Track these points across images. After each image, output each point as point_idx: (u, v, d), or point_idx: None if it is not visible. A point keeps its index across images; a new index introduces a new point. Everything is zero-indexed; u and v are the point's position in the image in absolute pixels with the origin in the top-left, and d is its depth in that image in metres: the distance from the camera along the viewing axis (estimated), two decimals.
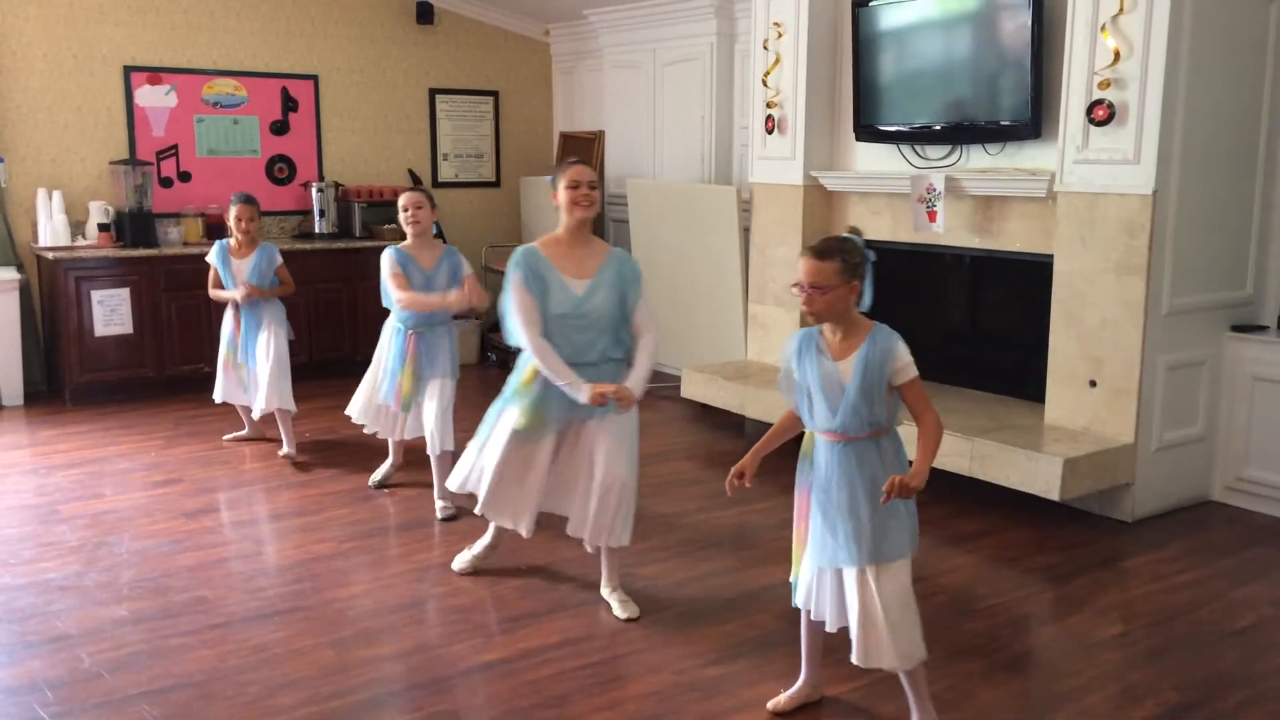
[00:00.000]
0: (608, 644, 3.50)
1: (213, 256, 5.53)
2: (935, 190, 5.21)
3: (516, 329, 3.61)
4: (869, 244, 2.86)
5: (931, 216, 5.24)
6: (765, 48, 6.08)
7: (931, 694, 2.96)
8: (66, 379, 6.58)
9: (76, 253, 6.52)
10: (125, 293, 6.62)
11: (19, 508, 4.76)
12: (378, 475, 5.14)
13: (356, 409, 5.00)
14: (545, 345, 3.56)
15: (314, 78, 7.73)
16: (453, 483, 3.95)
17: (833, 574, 2.87)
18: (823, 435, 2.84)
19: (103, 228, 6.72)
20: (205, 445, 5.77)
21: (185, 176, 7.29)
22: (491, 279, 8.29)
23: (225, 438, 5.86)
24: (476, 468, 3.83)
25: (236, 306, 5.47)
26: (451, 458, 4.49)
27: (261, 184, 7.58)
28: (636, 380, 3.61)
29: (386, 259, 4.69)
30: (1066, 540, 4.50)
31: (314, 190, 7.53)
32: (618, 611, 3.71)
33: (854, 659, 2.82)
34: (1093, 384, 4.72)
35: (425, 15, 8.01)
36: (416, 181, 8.14)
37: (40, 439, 5.89)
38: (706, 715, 3.06)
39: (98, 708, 3.06)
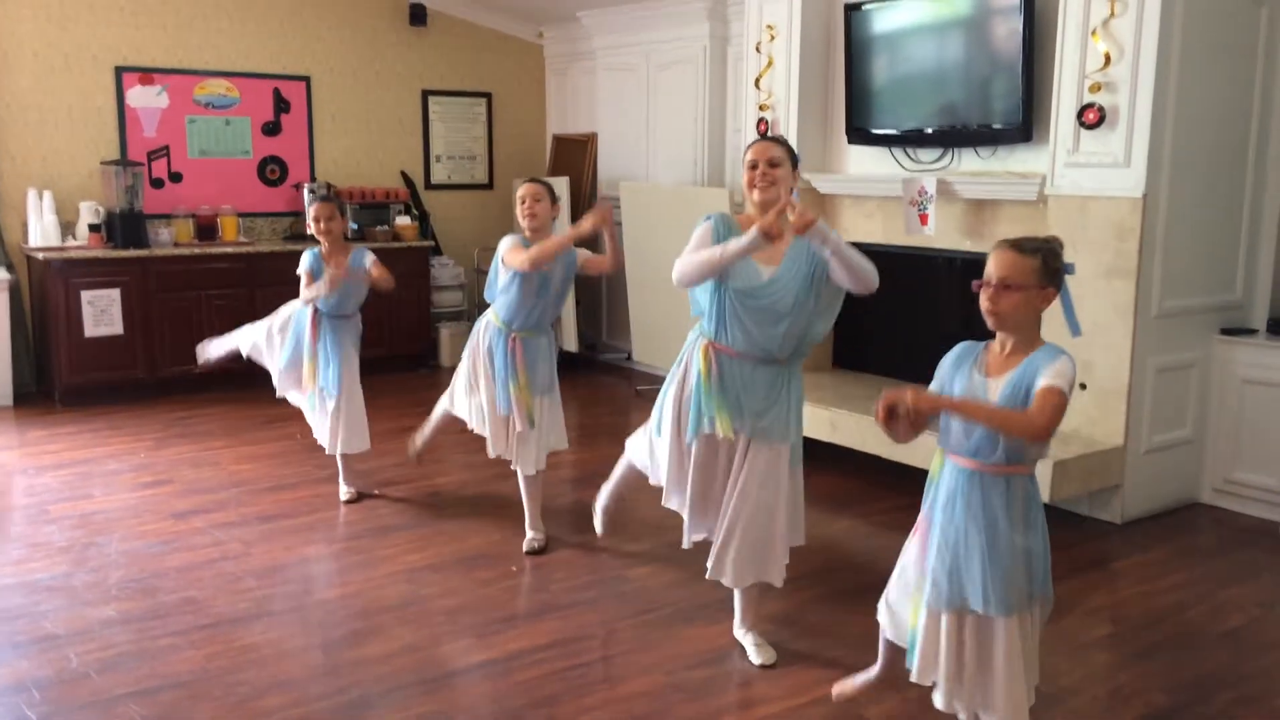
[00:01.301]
0: (598, 645, 3.50)
1: (305, 267, 4.77)
2: (927, 193, 5.22)
3: (683, 258, 3.24)
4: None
5: (923, 219, 5.25)
6: (758, 50, 6.09)
7: (923, 693, 2.96)
8: (56, 379, 6.56)
9: (67, 253, 6.50)
10: (115, 293, 6.60)
11: (7, 509, 4.74)
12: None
13: (475, 420, 4.38)
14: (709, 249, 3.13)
15: (306, 79, 7.72)
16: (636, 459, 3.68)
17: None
18: (951, 457, 2.57)
19: (93, 228, 6.70)
20: (195, 446, 5.76)
21: (176, 177, 7.28)
22: (483, 281, 8.28)
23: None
24: (655, 461, 3.51)
25: (317, 311, 4.76)
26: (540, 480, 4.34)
27: (253, 185, 7.57)
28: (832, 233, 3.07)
29: (510, 241, 4.14)
30: (1055, 542, 4.44)
31: (306, 191, 7.51)
32: (753, 656, 3.36)
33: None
34: (1083, 386, 4.73)
35: (418, 17, 8.01)
36: (409, 184, 8.13)
37: (29, 439, 5.86)
38: (697, 716, 3.06)
39: (85, 708, 3.05)
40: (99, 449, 5.67)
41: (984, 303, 2.47)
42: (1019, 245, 2.47)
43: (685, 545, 3.48)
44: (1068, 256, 2.62)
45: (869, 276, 3.15)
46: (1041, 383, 2.37)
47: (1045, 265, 2.45)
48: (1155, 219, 4.53)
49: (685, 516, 3.43)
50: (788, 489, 3.30)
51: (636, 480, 3.81)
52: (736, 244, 3.12)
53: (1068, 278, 2.51)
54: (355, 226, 7.54)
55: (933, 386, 2.60)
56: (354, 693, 3.17)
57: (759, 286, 3.19)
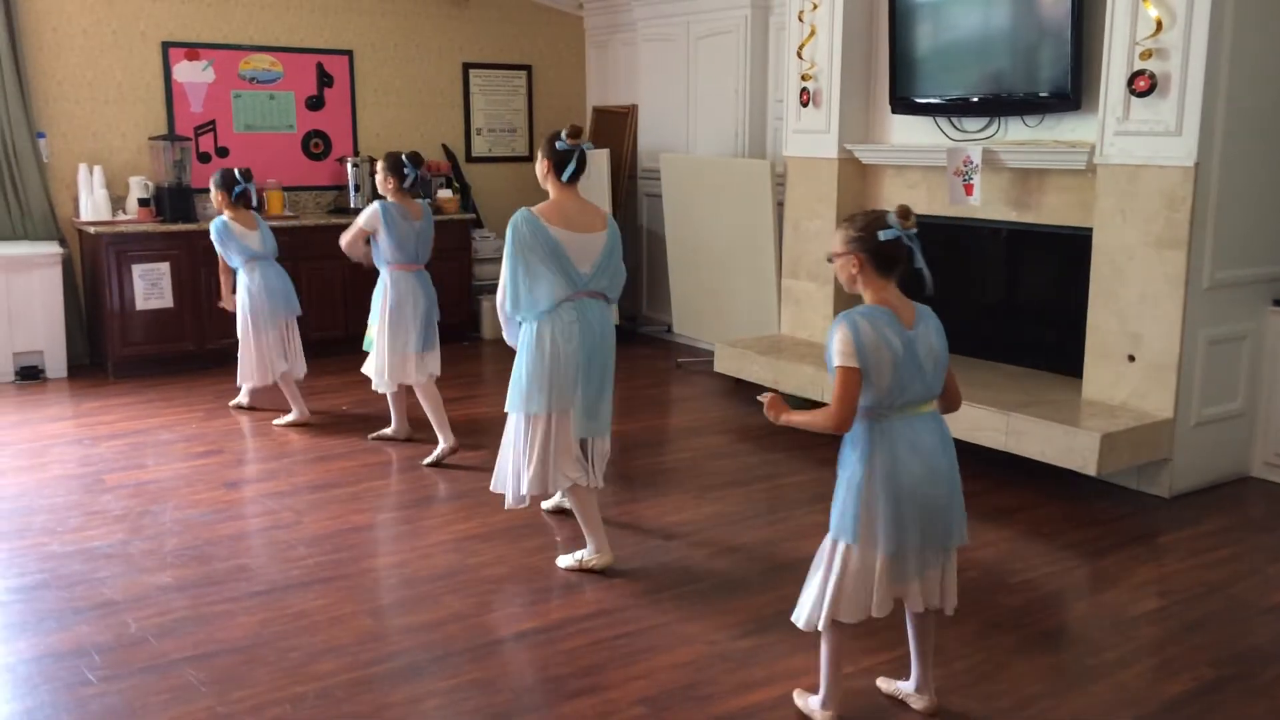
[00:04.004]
0: (641, 615, 3.53)
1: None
2: (972, 163, 5.16)
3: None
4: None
5: (968, 190, 5.20)
6: (800, 20, 6.03)
7: (966, 666, 2.97)
8: (109, 352, 6.69)
9: (117, 227, 6.61)
10: (165, 267, 6.71)
11: (65, 477, 4.86)
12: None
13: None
14: None
15: (349, 53, 7.76)
16: None
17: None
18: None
19: (143, 202, 6.80)
20: (244, 417, 5.86)
21: (223, 152, 7.36)
22: None
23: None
24: None
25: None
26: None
27: (297, 159, 7.64)
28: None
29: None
30: (1102, 516, 4.48)
31: (349, 165, 7.57)
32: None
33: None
34: (1131, 359, 4.68)
35: None
36: (450, 157, 8.16)
37: (84, 410, 5.99)
38: (739, 685, 3.09)
39: (144, 672, 3.14)
40: (151, 420, 5.79)
41: None
42: (843, 220, 2.79)
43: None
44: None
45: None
46: (833, 364, 2.65)
47: (845, 234, 2.72)
48: (1207, 188, 4.45)
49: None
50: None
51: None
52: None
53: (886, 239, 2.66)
54: None
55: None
56: (403, 659, 3.23)
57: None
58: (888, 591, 2.74)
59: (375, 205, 5.01)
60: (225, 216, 5.62)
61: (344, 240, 5.14)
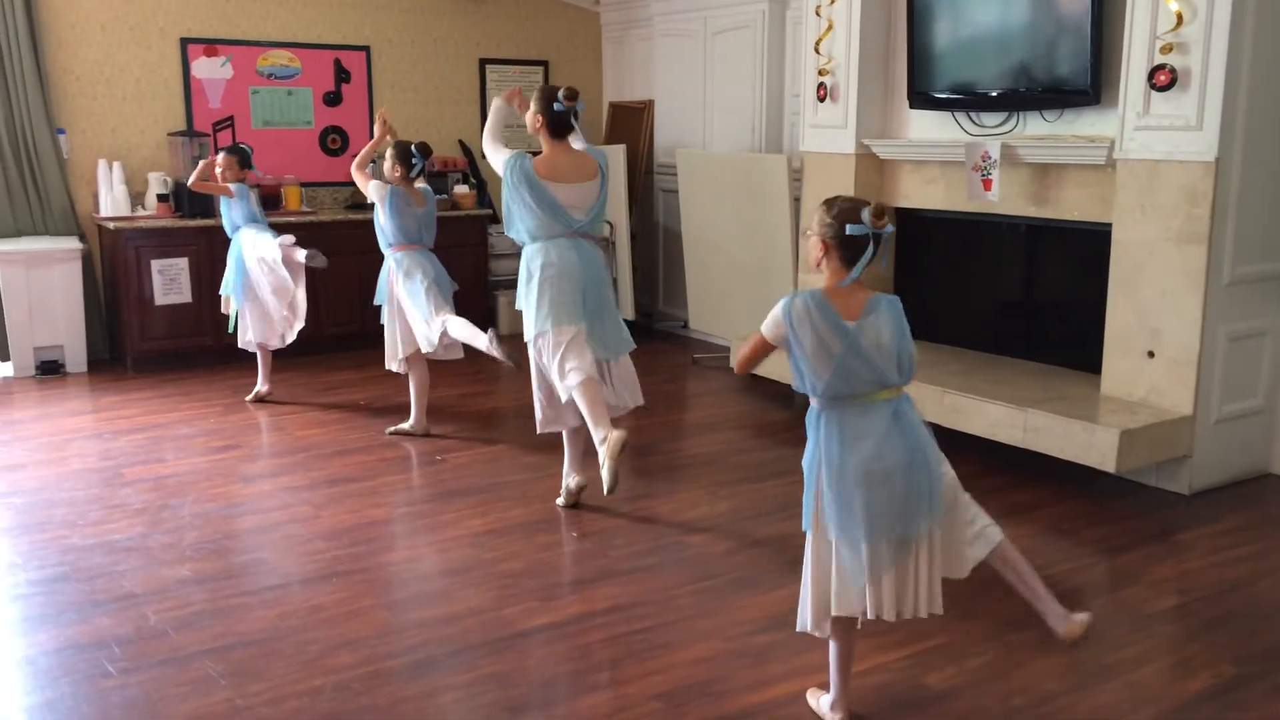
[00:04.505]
0: (658, 610, 3.53)
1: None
2: (991, 158, 5.14)
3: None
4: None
5: (987, 185, 5.17)
6: (818, 14, 6.01)
7: (982, 663, 2.96)
8: (128, 346, 6.73)
9: (136, 223, 6.65)
10: (184, 262, 6.74)
11: (85, 471, 4.89)
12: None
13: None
14: None
15: (366, 49, 7.78)
16: None
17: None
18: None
19: (161, 198, 6.84)
20: (262, 412, 5.89)
21: None
22: None
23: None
24: None
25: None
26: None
27: (315, 155, 7.66)
28: None
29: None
30: (1121, 513, 4.45)
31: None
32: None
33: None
34: (1151, 355, 4.65)
35: None
36: (467, 152, 8.17)
37: (104, 405, 6.04)
38: (755, 682, 3.08)
39: (163, 664, 3.16)
40: (170, 414, 5.82)
41: None
42: (825, 200, 2.79)
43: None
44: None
45: None
46: None
47: (820, 216, 2.75)
48: (1228, 183, 4.41)
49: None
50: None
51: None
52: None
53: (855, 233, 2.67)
54: None
55: None
56: (420, 653, 3.24)
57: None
58: (852, 583, 2.68)
59: (387, 187, 5.20)
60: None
61: (354, 166, 5.36)
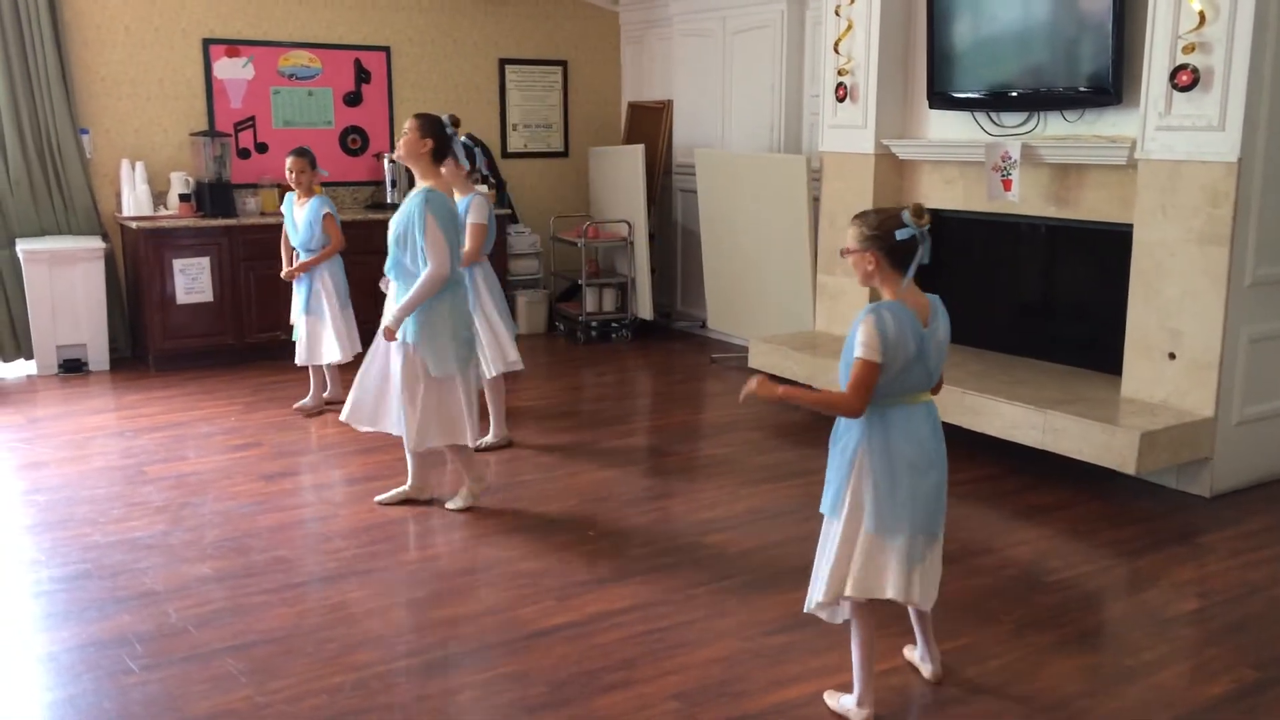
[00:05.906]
0: (674, 610, 3.54)
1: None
2: (1011, 158, 5.11)
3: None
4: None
5: (1007, 185, 5.15)
6: (837, 14, 6.00)
7: (1002, 665, 2.96)
8: (150, 345, 6.78)
9: (159, 222, 6.70)
10: (205, 261, 6.79)
11: (107, 469, 4.94)
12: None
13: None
14: None
15: (386, 49, 7.81)
16: None
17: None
18: None
19: (183, 198, 6.89)
20: (283, 410, 5.92)
21: (262, 148, 7.44)
22: (559, 249, 8.34)
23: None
24: None
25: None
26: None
27: (335, 155, 7.70)
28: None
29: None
30: (1141, 515, 4.43)
31: (386, 161, 7.62)
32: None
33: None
34: (1172, 356, 4.62)
35: None
36: (485, 153, 8.17)
37: (126, 403, 6.09)
38: (772, 682, 3.08)
39: (184, 661, 3.19)
40: (192, 412, 5.87)
41: None
42: (855, 216, 2.82)
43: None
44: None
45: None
46: (854, 354, 2.71)
47: (859, 231, 2.76)
48: (1250, 184, 4.38)
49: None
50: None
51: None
52: None
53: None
54: None
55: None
56: (439, 651, 3.26)
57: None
58: (877, 566, 2.79)
59: (480, 197, 5.32)
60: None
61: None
